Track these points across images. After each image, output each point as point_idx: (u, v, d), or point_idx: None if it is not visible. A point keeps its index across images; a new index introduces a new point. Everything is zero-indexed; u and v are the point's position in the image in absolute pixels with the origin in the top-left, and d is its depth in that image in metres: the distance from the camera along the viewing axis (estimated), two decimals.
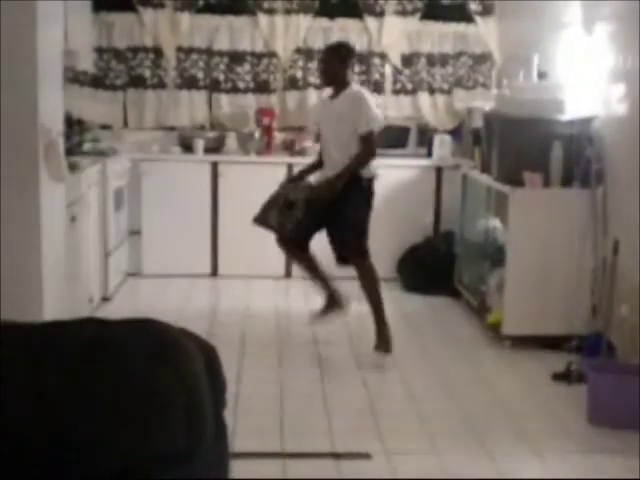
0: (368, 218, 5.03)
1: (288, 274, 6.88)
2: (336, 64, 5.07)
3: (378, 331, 4.98)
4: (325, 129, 5.19)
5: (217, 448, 2.18)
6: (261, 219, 5.12)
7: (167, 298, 6.29)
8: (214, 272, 6.96)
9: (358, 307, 5.53)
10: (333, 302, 5.27)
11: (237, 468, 3.38)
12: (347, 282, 5.19)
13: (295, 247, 5.22)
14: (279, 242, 5.20)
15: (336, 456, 3.66)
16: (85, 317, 2.16)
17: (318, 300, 5.41)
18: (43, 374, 1.93)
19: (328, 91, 5.35)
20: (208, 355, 2.15)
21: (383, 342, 4.94)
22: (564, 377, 4.64)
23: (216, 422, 2.14)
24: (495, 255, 5.58)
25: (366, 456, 3.67)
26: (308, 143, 7.00)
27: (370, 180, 5.01)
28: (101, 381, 1.95)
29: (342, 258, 5.03)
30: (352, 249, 4.98)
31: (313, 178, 5.30)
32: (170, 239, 6.82)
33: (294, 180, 5.38)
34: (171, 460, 1.96)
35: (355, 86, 5.17)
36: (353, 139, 4.95)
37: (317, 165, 5.31)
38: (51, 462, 1.88)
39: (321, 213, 4.97)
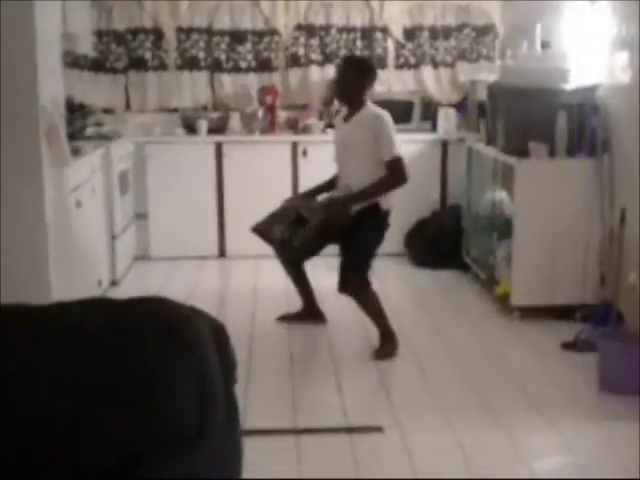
0: (376, 249, 4.75)
1: None
2: (353, 78, 4.71)
3: (382, 340, 4.72)
4: (339, 152, 4.87)
5: (229, 425, 2.19)
6: (262, 231, 4.87)
7: (176, 280, 6.30)
8: (222, 253, 6.96)
9: None
10: (311, 315, 5.23)
11: (250, 445, 3.40)
12: None
13: (290, 261, 5.06)
14: (277, 254, 5.06)
15: (348, 430, 3.67)
16: (92, 297, 2.16)
17: (326, 279, 5.41)
18: (53, 356, 1.93)
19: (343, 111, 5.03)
20: (217, 332, 2.15)
21: (383, 351, 4.66)
22: (574, 346, 4.64)
23: (227, 399, 2.14)
24: (502, 227, 5.56)
25: (379, 430, 3.68)
26: (312, 121, 6.98)
27: (387, 213, 4.75)
28: (111, 362, 1.96)
29: (343, 285, 4.68)
30: (351, 276, 4.65)
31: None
32: (177, 221, 6.82)
33: (306, 196, 5.08)
34: (183, 439, 1.96)
35: (373, 107, 4.75)
36: (371, 164, 4.63)
37: (332, 184, 5.00)
38: (66, 445, 1.88)
39: (331, 235, 4.73)
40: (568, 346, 4.67)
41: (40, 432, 1.87)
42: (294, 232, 4.71)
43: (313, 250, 4.92)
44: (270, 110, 7.00)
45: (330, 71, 7.02)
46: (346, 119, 4.84)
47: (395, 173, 4.61)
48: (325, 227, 4.66)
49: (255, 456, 3.34)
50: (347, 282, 4.66)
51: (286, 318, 5.27)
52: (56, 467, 1.88)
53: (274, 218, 4.84)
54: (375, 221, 4.72)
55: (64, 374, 1.92)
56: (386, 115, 4.69)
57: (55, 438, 1.88)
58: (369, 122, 4.66)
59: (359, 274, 4.67)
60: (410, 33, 7.26)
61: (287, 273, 5.17)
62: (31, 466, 1.87)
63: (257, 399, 3.99)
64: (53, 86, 4.50)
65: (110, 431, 1.89)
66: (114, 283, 6.00)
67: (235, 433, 2.23)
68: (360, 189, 4.64)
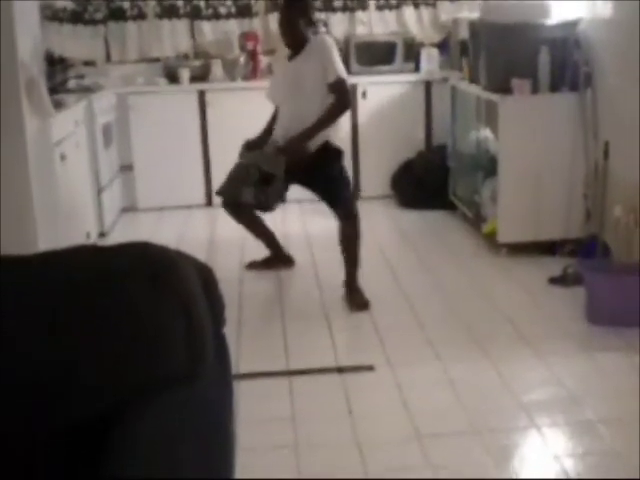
0: (349, 180, 4.74)
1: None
2: (289, 18, 4.55)
3: (348, 293, 4.63)
4: (286, 92, 4.68)
5: (219, 368, 2.21)
6: (230, 196, 4.76)
7: (164, 230, 6.32)
8: (209, 202, 6.96)
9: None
10: (278, 260, 5.23)
11: (244, 388, 3.46)
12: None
13: (240, 209, 4.91)
14: (225, 206, 4.92)
15: (340, 370, 3.73)
16: (77, 245, 2.17)
17: (315, 223, 5.43)
18: (40, 306, 1.95)
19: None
20: (204, 275, 2.16)
21: (356, 301, 4.56)
22: (561, 280, 4.69)
23: (216, 341, 2.16)
24: (487, 165, 5.57)
25: (369, 368, 3.73)
26: None
27: (339, 151, 4.63)
28: (100, 307, 1.97)
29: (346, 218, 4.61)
30: (343, 206, 4.60)
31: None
32: (163, 171, 6.81)
33: (253, 146, 4.80)
34: (173, 381, 1.99)
35: (316, 37, 4.65)
36: (318, 95, 4.48)
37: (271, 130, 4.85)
38: (57, 397, 1.90)
39: (295, 176, 4.59)
40: (555, 281, 4.72)
41: (33, 387, 1.89)
42: (266, 193, 4.59)
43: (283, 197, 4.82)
44: (252, 56, 6.96)
45: None
46: (291, 59, 4.66)
47: (340, 96, 4.47)
48: (289, 170, 4.54)
49: (249, 398, 3.41)
50: (347, 216, 4.59)
51: (254, 265, 5.27)
52: (48, 421, 1.90)
53: (237, 180, 4.70)
54: (334, 158, 4.62)
55: (52, 324, 1.93)
56: (327, 39, 4.63)
57: (47, 391, 1.90)
58: (316, 49, 4.52)
59: (349, 201, 4.66)
60: None
61: (244, 227, 5.09)
62: (24, 423, 1.89)
63: (250, 343, 4.03)
64: (31, 40, 4.45)
65: (100, 378, 1.91)
66: (102, 235, 6.01)
67: (225, 375, 2.25)
68: (312, 123, 4.49)
